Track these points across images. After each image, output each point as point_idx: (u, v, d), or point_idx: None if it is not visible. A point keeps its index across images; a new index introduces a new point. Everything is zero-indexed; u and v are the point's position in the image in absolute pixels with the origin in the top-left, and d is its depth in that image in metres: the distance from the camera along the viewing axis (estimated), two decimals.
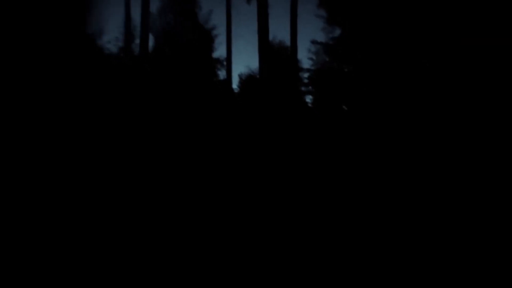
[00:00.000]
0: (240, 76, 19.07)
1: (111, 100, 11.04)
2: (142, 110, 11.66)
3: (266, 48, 15.28)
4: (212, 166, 9.46)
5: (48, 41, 8.06)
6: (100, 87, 11.00)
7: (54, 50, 8.23)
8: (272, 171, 9.32)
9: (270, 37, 16.10)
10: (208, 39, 16.59)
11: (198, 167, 9.29)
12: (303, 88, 18.10)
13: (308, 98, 17.64)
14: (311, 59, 20.98)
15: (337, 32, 14.73)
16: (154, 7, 17.70)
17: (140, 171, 8.40)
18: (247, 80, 18.32)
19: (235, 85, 19.51)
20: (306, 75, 18.57)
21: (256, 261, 3.97)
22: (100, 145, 8.93)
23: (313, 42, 16.53)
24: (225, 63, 17.36)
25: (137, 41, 17.23)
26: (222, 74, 18.35)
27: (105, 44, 16.50)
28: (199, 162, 9.69)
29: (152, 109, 12.27)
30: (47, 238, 4.30)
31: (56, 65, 8.26)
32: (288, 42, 18.42)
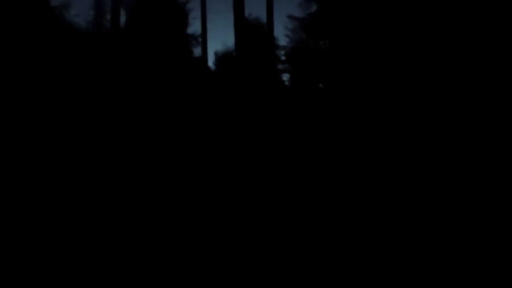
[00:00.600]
0: (216, 53, 18.59)
1: (79, 76, 10.54)
2: (112, 88, 11.22)
3: (242, 24, 14.90)
4: (187, 147, 9.28)
5: (6, 12, 7.50)
6: (67, 62, 10.46)
7: (13, 22, 7.67)
8: (247, 151, 9.22)
9: (246, 13, 15.70)
10: (182, 14, 15.99)
11: (173, 149, 9.08)
12: (280, 66, 17.88)
13: (285, 76, 17.47)
14: (288, 36, 20.66)
15: (314, 8, 14.50)
16: None
17: (107, 151, 8.12)
18: (223, 58, 17.90)
19: (211, 62, 19.05)
20: (283, 52, 18.30)
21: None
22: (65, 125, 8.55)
23: (290, 17, 16.22)
24: (200, 39, 16.85)
25: (108, 16, 16.43)
26: (197, 51, 17.81)
27: (73, 18, 15.63)
28: (175, 143, 9.47)
29: (123, 87, 11.83)
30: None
31: (16, 39, 7.74)
32: (264, 18, 18.03)
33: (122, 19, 16.47)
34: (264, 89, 14.63)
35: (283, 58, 16.72)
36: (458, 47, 9.67)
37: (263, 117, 12.05)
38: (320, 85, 14.72)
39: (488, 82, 9.07)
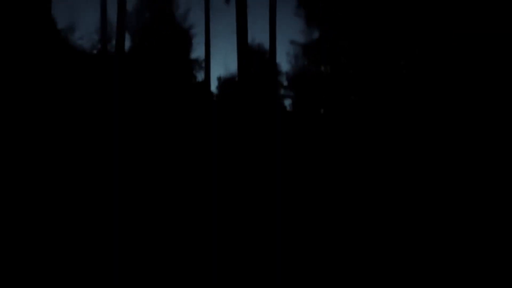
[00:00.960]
0: (219, 78, 18.81)
1: (82, 101, 10.59)
2: (115, 113, 11.25)
3: (245, 51, 15.09)
4: (189, 171, 9.19)
5: (10, 33, 7.59)
6: (69, 86, 10.54)
7: (16, 43, 7.75)
8: (249, 175, 9.13)
9: (249, 39, 15.94)
10: (185, 39, 16.25)
11: (176, 171, 9.00)
12: (282, 92, 18.01)
13: (287, 102, 17.57)
14: (290, 62, 20.97)
15: (316, 34, 14.72)
16: (130, 5, 17.22)
17: (110, 176, 8.04)
18: (226, 83, 18.09)
19: (213, 87, 19.26)
20: (285, 78, 18.49)
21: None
22: (69, 147, 8.51)
23: (292, 42, 16.47)
24: (203, 64, 17.06)
25: (113, 42, 16.70)
26: (200, 76, 18.02)
27: (77, 40, 15.90)
28: (176, 166, 9.40)
29: (126, 112, 11.87)
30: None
31: (18, 60, 7.80)
32: (267, 44, 18.32)
33: (127, 43, 16.75)
34: (265, 114, 14.65)
35: (285, 83, 16.89)
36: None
37: (263, 141, 12.00)
38: (321, 110, 14.73)
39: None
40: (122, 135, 10.45)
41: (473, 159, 7.58)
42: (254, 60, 18.59)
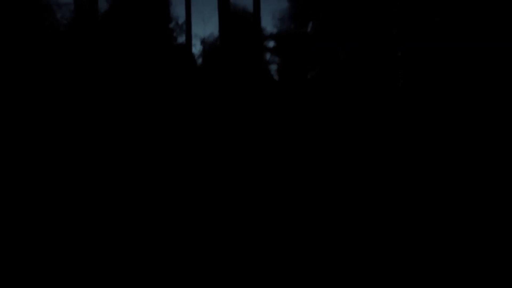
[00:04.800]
0: (201, 41, 17.99)
1: (51, 69, 9.84)
2: (92, 80, 10.55)
3: (226, 12, 14.29)
4: (168, 139, 8.75)
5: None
6: (39, 53, 9.75)
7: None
8: (234, 145, 8.77)
9: (234, 2, 15.10)
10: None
11: (155, 142, 8.55)
12: (268, 57, 17.36)
13: (273, 67, 16.96)
14: (276, 26, 20.18)
15: None
16: None
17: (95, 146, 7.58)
18: (208, 46, 17.30)
19: (195, 50, 18.49)
20: (271, 43, 17.78)
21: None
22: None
23: None
24: (184, 26, 16.17)
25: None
26: (181, 39, 17.13)
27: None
28: (156, 135, 8.94)
29: (103, 76, 11.15)
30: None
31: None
32: (251, 8, 17.45)
33: (102, 4, 15.64)
34: (250, 81, 14.10)
35: (271, 46, 16.22)
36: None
37: (247, 108, 11.54)
38: (308, 76, 14.26)
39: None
40: (96, 102, 9.83)
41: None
42: (238, 23, 17.76)
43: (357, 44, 10.99)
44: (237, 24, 15.28)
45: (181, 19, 16.33)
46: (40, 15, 12.03)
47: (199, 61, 17.68)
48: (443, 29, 9.36)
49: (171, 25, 14.84)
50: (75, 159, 6.84)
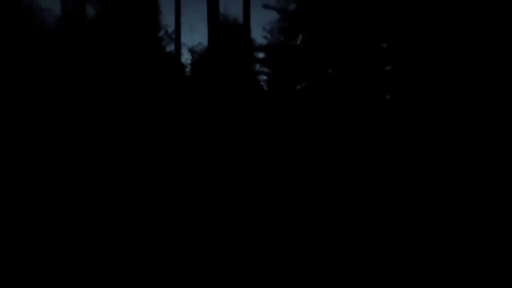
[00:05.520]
0: (189, 50, 17.94)
1: (40, 74, 9.65)
2: (80, 86, 10.37)
3: (215, 22, 14.29)
4: (153, 144, 8.60)
5: None
6: (27, 59, 9.57)
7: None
8: (223, 152, 8.66)
9: (222, 9, 15.12)
10: (153, 7, 15.21)
11: (144, 146, 8.39)
12: (257, 67, 17.38)
13: (262, 77, 16.98)
14: (265, 37, 20.31)
15: (292, 6, 14.11)
16: None
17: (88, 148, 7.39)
18: (197, 55, 17.26)
19: (183, 59, 18.45)
20: (261, 54, 17.84)
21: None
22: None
23: (265, 7, 15.77)
24: (173, 36, 16.12)
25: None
26: (170, 47, 17.06)
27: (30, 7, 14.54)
28: (145, 142, 8.78)
29: (90, 82, 10.97)
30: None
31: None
32: (241, 19, 17.54)
33: (90, 11, 15.51)
34: (239, 91, 14.03)
35: (260, 57, 16.25)
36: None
37: (237, 116, 11.46)
38: (298, 87, 14.28)
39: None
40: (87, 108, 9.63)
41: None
42: (228, 34, 17.79)
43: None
44: (226, 34, 15.29)
45: (170, 28, 16.31)
46: (22, 19, 11.83)
47: (187, 69, 17.60)
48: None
49: (160, 34, 14.77)
50: (57, 161, 6.66)
